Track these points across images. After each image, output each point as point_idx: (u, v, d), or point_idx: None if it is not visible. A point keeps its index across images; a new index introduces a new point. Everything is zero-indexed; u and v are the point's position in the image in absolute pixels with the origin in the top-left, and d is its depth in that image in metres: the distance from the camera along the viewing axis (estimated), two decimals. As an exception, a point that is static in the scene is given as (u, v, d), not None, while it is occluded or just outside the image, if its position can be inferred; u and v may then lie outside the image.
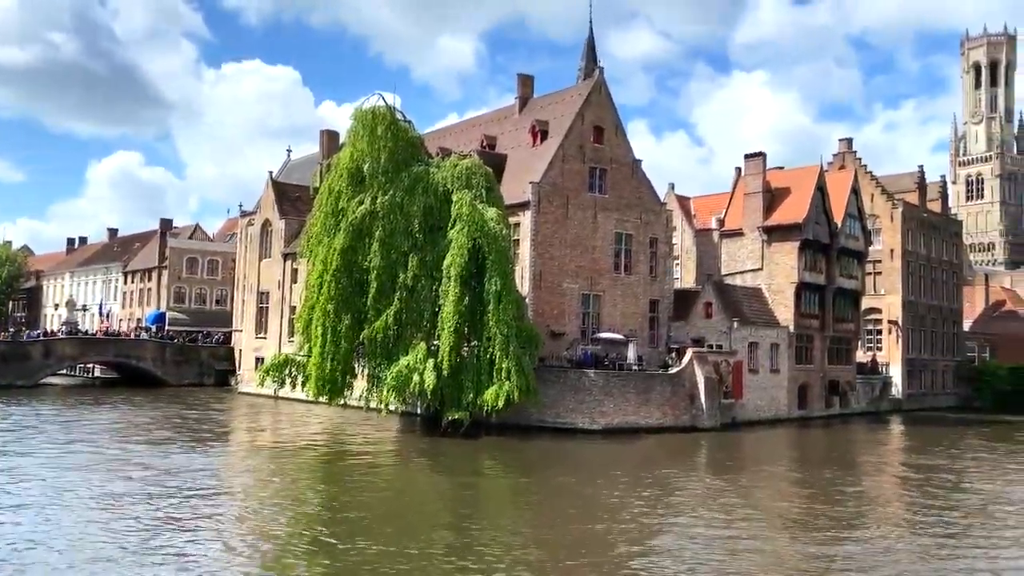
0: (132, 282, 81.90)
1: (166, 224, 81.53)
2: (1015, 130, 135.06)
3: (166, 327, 68.37)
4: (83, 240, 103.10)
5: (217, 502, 20.10)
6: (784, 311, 46.20)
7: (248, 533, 17.10)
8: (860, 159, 58.56)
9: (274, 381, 37.93)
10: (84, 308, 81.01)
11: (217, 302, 75.00)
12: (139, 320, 75.67)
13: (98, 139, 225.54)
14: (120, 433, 32.55)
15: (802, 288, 46.68)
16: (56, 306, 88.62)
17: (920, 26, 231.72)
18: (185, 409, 42.95)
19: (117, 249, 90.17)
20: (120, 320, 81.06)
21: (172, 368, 59.95)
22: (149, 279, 78.51)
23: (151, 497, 20.00)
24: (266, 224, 57.04)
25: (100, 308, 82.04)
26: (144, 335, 65.14)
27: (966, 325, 66.07)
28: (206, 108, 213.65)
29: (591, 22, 63.54)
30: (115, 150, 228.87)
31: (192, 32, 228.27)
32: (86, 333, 66.51)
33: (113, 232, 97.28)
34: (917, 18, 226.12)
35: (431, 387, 31.59)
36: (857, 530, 19.00)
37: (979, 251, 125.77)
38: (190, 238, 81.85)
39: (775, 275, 47.07)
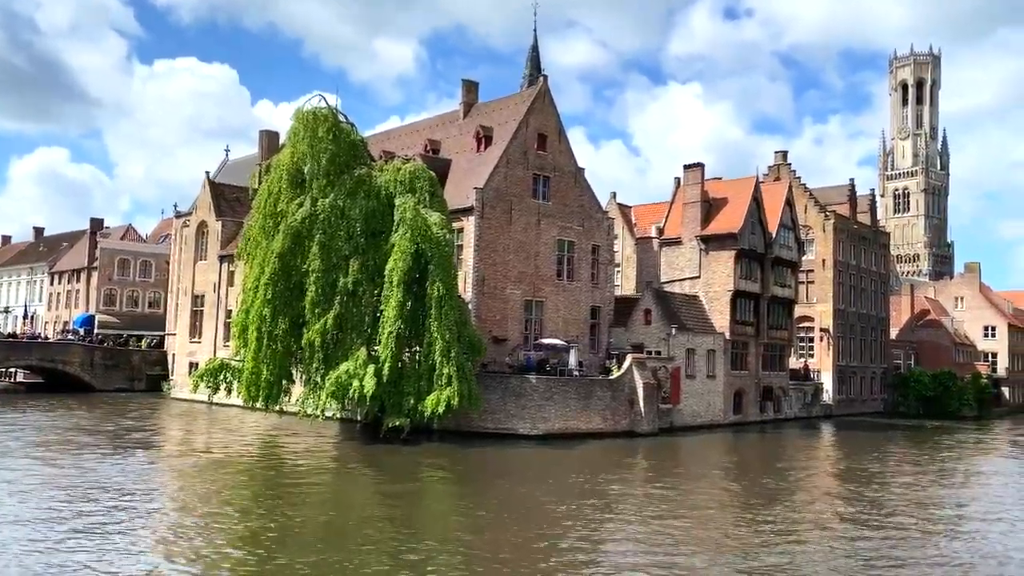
0: (59, 283, 78.82)
1: (96, 224, 78.79)
2: (938, 147, 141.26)
3: (95, 330, 66.01)
4: (6, 239, 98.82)
5: (141, 514, 19.41)
6: (720, 318, 47.23)
7: (173, 547, 16.54)
8: (794, 171, 60.36)
9: (208, 387, 37.00)
10: (7, 310, 77.63)
11: (150, 305, 72.78)
12: (66, 323, 72.87)
13: (20, 135, 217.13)
14: (40, 440, 31.20)
15: (738, 296, 47.80)
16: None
17: (844, 44, 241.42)
18: (113, 415, 41.47)
19: (43, 249, 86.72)
20: (46, 323, 77.94)
21: (101, 373, 57.85)
22: (77, 280, 75.69)
23: (68, 509, 19.22)
24: (202, 225, 55.65)
25: (24, 310, 78.71)
26: (72, 338, 62.75)
27: (893, 333, 68.68)
28: (137, 105, 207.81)
29: (535, 30, 64.02)
30: (39, 146, 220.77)
31: (122, 27, 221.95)
32: (9, 336, 63.73)
33: (39, 231, 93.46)
34: (841, 37, 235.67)
35: (371, 393, 31.22)
36: (792, 533, 19.48)
37: (905, 262, 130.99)
38: (122, 239, 79.30)
39: (712, 283, 48.10)
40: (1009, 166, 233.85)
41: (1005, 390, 73.90)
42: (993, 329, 76.48)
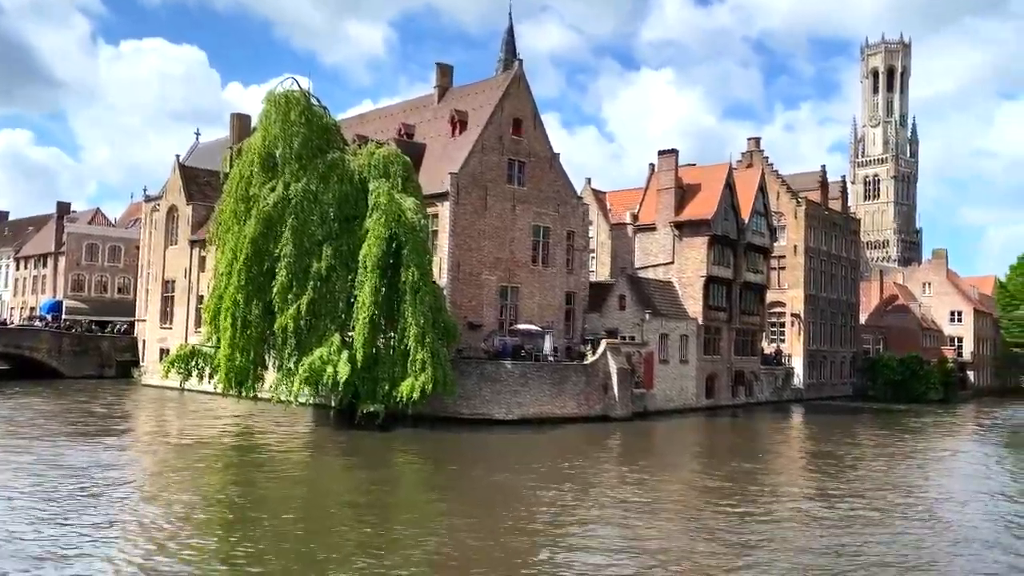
0: (25, 268, 77.35)
1: (63, 208, 77.30)
2: (908, 134, 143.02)
3: (63, 316, 64.94)
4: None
5: (113, 501, 19.22)
6: (693, 304, 47.61)
7: (145, 534, 16.40)
8: (767, 158, 60.79)
9: (179, 373, 36.60)
10: (-29, 296, 76.01)
11: (119, 290, 71.71)
12: (33, 309, 71.59)
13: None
14: (9, 427, 30.71)
15: (710, 282, 48.19)
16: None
17: (813, 31, 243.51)
18: (82, 402, 40.92)
19: (7, 233, 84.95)
20: (11, 308, 76.50)
21: (70, 359, 56.91)
22: (44, 265, 74.31)
23: (39, 496, 18.97)
24: (172, 210, 54.87)
25: (-11, 296, 77.21)
26: (39, 324, 61.70)
27: (862, 318, 69.72)
28: (103, 87, 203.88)
29: (511, 13, 63.64)
30: (1, 128, 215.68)
31: (86, 7, 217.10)
32: (-27, 322, 62.50)
33: (3, 215, 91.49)
34: (810, 24, 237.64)
35: (345, 379, 31.08)
36: (763, 515, 19.79)
37: (875, 248, 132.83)
38: (90, 223, 77.88)
39: (685, 269, 48.43)
40: (973, 153, 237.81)
41: (970, 374, 75.45)
42: (959, 314, 77.97)
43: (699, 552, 16.11)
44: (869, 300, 73.73)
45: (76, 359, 57.23)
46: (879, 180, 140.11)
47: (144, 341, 57.17)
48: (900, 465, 29.27)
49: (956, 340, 76.51)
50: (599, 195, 61.03)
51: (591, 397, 38.22)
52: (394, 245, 32.20)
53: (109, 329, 62.17)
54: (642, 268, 49.76)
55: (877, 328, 71.03)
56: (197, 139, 68.65)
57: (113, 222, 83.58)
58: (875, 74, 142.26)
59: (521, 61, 43.67)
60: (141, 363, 56.90)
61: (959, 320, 77.79)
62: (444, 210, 38.20)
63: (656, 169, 52.50)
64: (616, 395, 38.77)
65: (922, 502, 22.06)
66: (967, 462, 31.26)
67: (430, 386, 31.21)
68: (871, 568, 15.22)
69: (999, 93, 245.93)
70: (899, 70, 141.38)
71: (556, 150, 43.63)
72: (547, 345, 38.77)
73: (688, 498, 21.87)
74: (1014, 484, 25.85)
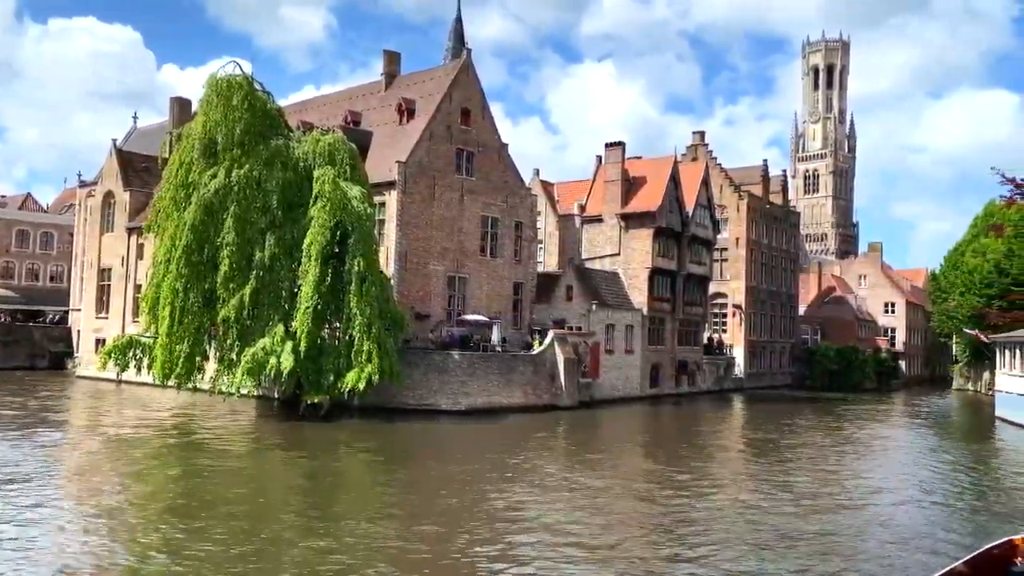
0: (-51, 255, 73.88)
1: (-9, 192, 74.26)
2: (846, 130, 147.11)
3: (-9, 305, 62.47)
4: None
5: (42, 496, 18.57)
6: (639, 295, 48.26)
7: (76, 530, 15.91)
8: (711, 151, 61.83)
9: (117, 364, 35.57)
10: None
11: (52, 279, 69.25)
12: (-42, 297, 68.54)
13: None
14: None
15: (655, 273, 48.90)
16: None
17: (749, 28, 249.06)
18: (11, 394, 39.40)
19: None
20: (-65, 297, 73.04)
21: (-2, 350, 54.88)
22: (-30, 252, 71.19)
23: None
24: (108, 196, 53.14)
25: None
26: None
27: (801, 309, 71.66)
28: (30, 67, 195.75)
29: (459, 1, 62.99)
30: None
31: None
32: None
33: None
34: (746, 20, 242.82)
35: (289, 370, 30.65)
36: (703, 498, 20.21)
37: (814, 241, 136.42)
38: (20, 208, 74.97)
39: (631, 260, 49.04)
40: (901, 149, 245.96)
41: (902, 363, 78.29)
42: (893, 306, 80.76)
43: (637, 537, 16.38)
44: (808, 292, 75.78)
45: (6, 350, 55.20)
46: (818, 175, 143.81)
47: (79, 331, 55.37)
48: (832, 451, 30.19)
49: (889, 331, 79.26)
50: (547, 186, 61.23)
51: (538, 387, 38.44)
52: (339, 234, 31.81)
53: (41, 319, 60.07)
54: (589, 259, 50.18)
55: (815, 319, 73.06)
56: (135, 123, 66.51)
57: (45, 208, 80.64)
58: (815, 71, 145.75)
59: (470, 50, 43.47)
60: (75, 354, 55.12)
61: (892, 311, 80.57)
62: (391, 199, 37.84)
63: (603, 161, 52.92)
64: (563, 385, 39.08)
65: (850, 487, 22.80)
66: (896, 448, 32.43)
67: (376, 376, 30.98)
68: (793, 543, 15.70)
69: (928, 93, 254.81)
70: (838, 67, 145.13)
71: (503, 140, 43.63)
72: (495, 335, 38.84)
73: (631, 484, 22.18)
74: (937, 468, 26.96)
